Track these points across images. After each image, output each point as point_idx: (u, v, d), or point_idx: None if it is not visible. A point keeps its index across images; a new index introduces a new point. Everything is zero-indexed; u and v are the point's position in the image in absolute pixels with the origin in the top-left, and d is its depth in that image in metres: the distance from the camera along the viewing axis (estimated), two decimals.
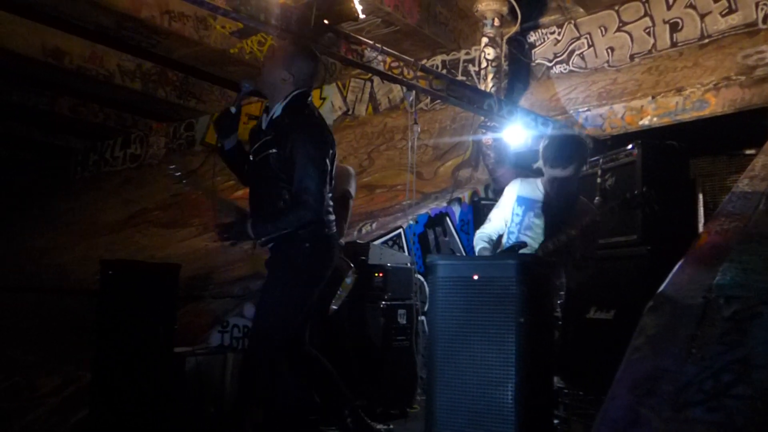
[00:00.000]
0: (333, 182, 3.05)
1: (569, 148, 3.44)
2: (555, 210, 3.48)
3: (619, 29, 7.55)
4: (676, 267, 2.85)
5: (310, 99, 3.01)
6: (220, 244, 3.14)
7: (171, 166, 3.45)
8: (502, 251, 3.51)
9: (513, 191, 3.63)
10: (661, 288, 2.71)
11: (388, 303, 4.43)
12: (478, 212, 6.58)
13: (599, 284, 3.84)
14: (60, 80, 9.54)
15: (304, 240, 2.87)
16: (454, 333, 2.46)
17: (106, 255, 6.68)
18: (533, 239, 3.46)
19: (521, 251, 3.36)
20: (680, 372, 2.32)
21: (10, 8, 7.65)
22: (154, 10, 7.46)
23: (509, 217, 3.60)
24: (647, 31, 7.34)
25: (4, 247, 10.19)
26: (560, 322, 3.83)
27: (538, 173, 3.66)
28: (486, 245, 3.64)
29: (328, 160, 2.88)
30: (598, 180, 4.23)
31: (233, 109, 2.98)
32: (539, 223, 3.47)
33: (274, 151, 2.87)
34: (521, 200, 3.57)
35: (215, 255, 6.32)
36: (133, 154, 12.30)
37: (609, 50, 7.59)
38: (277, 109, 2.94)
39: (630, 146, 4.20)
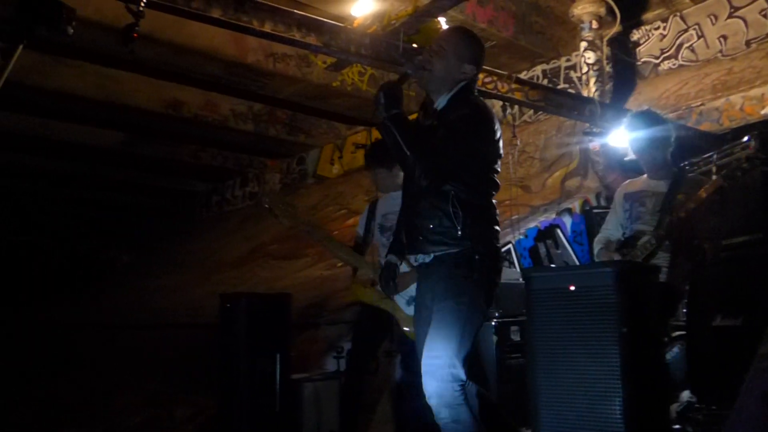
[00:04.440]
0: (494, 175, 2.70)
1: (643, 118, 3.65)
2: (661, 189, 3.52)
3: (731, 15, 7.10)
4: None
5: (475, 86, 2.79)
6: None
7: (263, 197, 3.60)
8: (620, 244, 3.56)
9: (620, 192, 3.76)
10: None
11: (500, 320, 4.35)
12: (591, 221, 6.35)
13: (723, 289, 3.59)
14: (180, 129, 10.21)
15: (474, 253, 2.53)
16: (554, 346, 2.38)
17: (230, 289, 7.04)
18: (645, 225, 3.49)
19: (640, 242, 3.41)
20: None
21: (132, 68, 8.32)
22: (259, 54, 7.85)
23: (621, 216, 3.68)
24: (763, 13, 6.85)
25: (140, 288, 10.98)
26: (683, 332, 3.63)
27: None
28: (602, 247, 3.72)
29: (482, 143, 2.59)
30: (713, 177, 3.97)
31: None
32: (645, 210, 3.53)
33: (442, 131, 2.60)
34: (627, 196, 3.67)
35: (329, 283, 6.50)
36: (251, 192, 12.91)
37: (721, 39, 7.15)
38: (441, 101, 2.71)
39: (746, 138, 3.90)
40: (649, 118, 3.67)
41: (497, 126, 2.67)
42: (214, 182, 13.56)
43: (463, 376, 2.42)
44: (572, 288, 2.36)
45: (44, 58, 7.97)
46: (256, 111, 10.15)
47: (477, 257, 2.50)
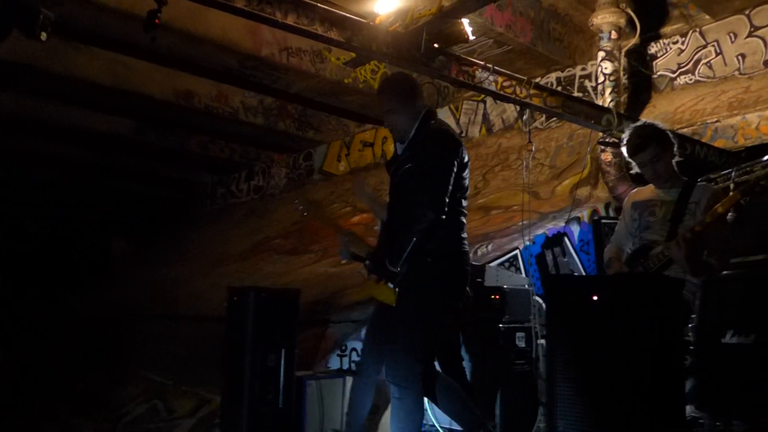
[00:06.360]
0: (465, 193, 3.16)
1: (640, 131, 3.55)
2: (670, 197, 3.48)
3: (750, 34, 7.07)
4: None
5: (434, 112, 3.29)
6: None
7: (296, 201, 3.80)
8: (632, 255, 3.53)
9: (629, 201, 3.73)
10: None
11: (506, 326, 4.33)
12: (599, 231, 6.33)
13: (736, 307, 3.54)
14: (190, 120, 10.18)
15: (426, 255, 2.95)
16: (574, 356, 2.35)
17: (234, 283, 7.03)
18: (656, 234, 3.46)
19: (653, 252, 3.38)
20: None
21: (145, 56, 8.29)
22: (274, 48, 7.83)
23: (630, 225, 3.65)
24: None
25: (144, 278, 10.96)
26: (692, 347, 3.59)
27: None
28: (612, 257, 3.71)
29: (455, 163, 3.02)
30: (731, 194, 3.94)
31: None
32: (654, 219, 3.50)
33: (409, 165, 3.10)
34: (636, 205, 3.63)
35: (334, 280, 6.47)
36: (257, 186, 12.90)
37: (739, 57, 7.12)
38: (411, 134, 3.21)
39: (766, 157, 3.89)
40: (646, 131, 3.58)
41: (455, 146, 3.10)
42: (220, 174, 13.55)
43: (415, 364, 2.88)
44: (595, 298, 2.34)
45: (54, 42, 7.92)
46: (266, 105, 10.13)
47: (429, 260, 2.96)
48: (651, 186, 3.65)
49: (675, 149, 3.56)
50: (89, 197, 14.00)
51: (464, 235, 3.10)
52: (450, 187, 2.99)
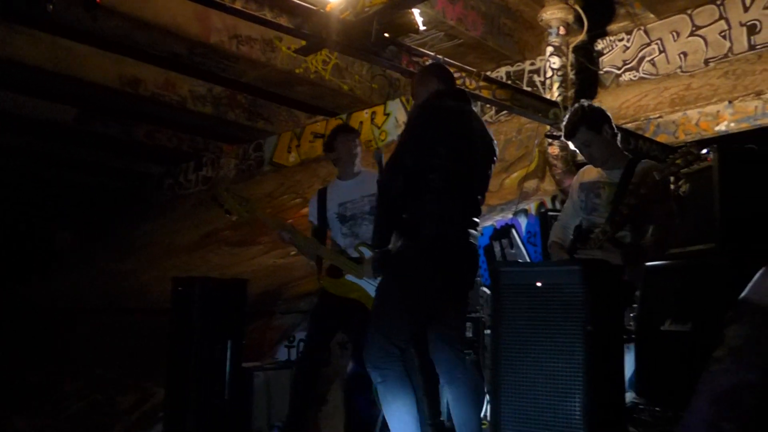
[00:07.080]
0: (463, 166, 2.91)
1: (571, 116, 3.54)
2: (613, 179, 3.47)
3: (692, 33, 7.31)
4: (759, 273, 2.68)
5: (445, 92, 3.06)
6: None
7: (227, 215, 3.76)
8: (573, 240, 3.53)
9: (576, 181, 3.73)
10: (743, 296, 2.56)
11: None
12: (546, 224, 6.43)
13: (675, 296, 3.65)
14: (136, 108, 9.92)
15: (404, 235, 2.82)
16: (519, 342, 2.38)
17: (182, 274, 6.89)
18: (601, 217, 3.46)
19: (593, 235, 3.37)
20: (765, 385, 2.18)
21: (89, 40, 8.04)
22: (223, 35, 7.68)
23: (577, 204, 3.66)
24: (723, 34, 7.07)
25: (87, 271, 10.66)
26: (633, 335, 3.68)
27: None
28: (555, 240, 3.73)
29: (431, 131, 2.84)
30: (672, 187, 4.04)
31: None
32: (599, 201, 3.50)
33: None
34: (582, 187, 3.62)
35: (283, 272, 6.42)
36: (205, 177, 12.66)
37: (682, 55, 7.34)
38: None
39: (705, 150, 3.99)
40: (576, 116, 3.54)
41: (435, 114, 2.91)
42: (168, 165, 13.24)
43: (390, 347, 2.76)
44: (539, 284, 2.37)
45: None
46: (216, 94, 9.94)
47: (407, 240, 2.81)
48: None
49: (609, 129, 3.51)
50: (31, 187, 13.53)
51: (461, 217, 2.88)
52: (422, 155, 2.77)
